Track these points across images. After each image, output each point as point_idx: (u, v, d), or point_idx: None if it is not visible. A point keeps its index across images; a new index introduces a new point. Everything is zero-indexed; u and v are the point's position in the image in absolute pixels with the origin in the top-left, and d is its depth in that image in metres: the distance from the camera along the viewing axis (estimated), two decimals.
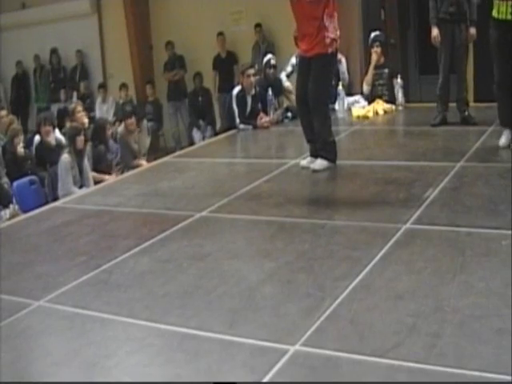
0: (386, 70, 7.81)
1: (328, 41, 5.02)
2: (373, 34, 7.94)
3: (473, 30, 6.27)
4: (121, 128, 7.69)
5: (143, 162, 7.18)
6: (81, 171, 6.46)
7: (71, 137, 6.49)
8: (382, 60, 7.87)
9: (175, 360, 2.52)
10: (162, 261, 3.50)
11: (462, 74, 6.52)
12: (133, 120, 7.45)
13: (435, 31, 6.34)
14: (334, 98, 7.49)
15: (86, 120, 8.02)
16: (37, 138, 7.38)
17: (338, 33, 5.11)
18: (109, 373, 2.44)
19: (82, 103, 8.84)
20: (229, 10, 10.32)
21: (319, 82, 5.10)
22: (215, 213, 4.27)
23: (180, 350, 2.58)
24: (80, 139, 6.44)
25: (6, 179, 6.45)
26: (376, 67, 7.82)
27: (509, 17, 5.07)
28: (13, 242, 4.12)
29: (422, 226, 3.65)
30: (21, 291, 3.25)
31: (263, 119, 7.31)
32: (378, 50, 7.81)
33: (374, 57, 7.83)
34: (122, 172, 6.81)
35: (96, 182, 6.39)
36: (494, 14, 5.16)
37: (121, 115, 8.69)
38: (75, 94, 11.59)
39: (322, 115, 5.15)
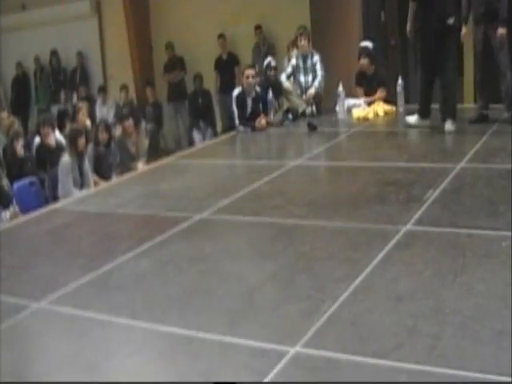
0: (374, 83, 7.79)
1: None
2: (360, 44, 7.94)
3: (501, 30, 6.15)
4: (118, 130, 7.68)
5: (139, 164, 7.17)
6: (81, 173, 6.47)
7: (72, 138, 6.49)
8: (372, 70, 7.83)
9: (175, 361, 2.52)
10: (162, 262, 3.49)
11: (504, 71, 6.40)
12: (130, 122, 7.43)
13: (464, 30, 6.39)
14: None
15: (88, 122, 8.04)
16: (37, 139, 7.39)
17: None
18: (109, 374, 2.43)
19: (87, 104, 8.86)
20: (229, 12, 10.33)
21: None
22: (215, 214, 4.27)
23: (180, 351, 2.58)
24: (81, 141, 6.45)
25: (6, 180, 6.45)
26: (365, 78, 7.82)
27: None
28: (13, 243, 4.12)
29: (422, 228, 3.65)
30: (21, 292, 3.24)
31: (262, 121, 7.31)
32: (365, 61, 7.78)
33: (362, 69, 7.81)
34: (122, 174, 6.80)
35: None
36: None
37: (120, 117, 8.68)
38: (75, 95, 11.60)
39: None
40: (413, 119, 6.57)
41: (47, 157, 7.02)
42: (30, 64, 12.40)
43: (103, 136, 7.10)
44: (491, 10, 6.18)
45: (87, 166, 6.63)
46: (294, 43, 8.20)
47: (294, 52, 8.09)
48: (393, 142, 6.55)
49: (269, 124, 7.36)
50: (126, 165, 7.17)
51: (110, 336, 2.76)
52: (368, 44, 7.89)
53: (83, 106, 8.38)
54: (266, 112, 7.53)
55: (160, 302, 3.01)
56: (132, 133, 7.46)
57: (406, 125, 6.62)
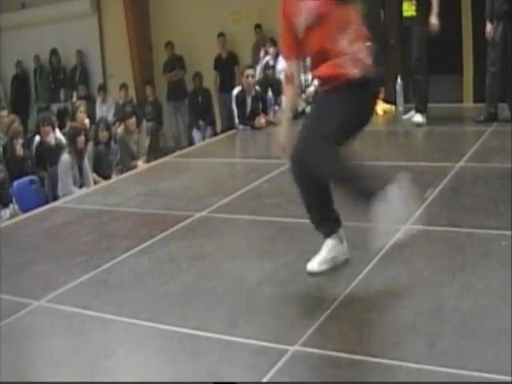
0: None
1: None
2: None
3: None
4: (120, 129, 7.69)
5: (140, 162, 7.17)
6: (81, 171, 6.47)
7: (71, 137, 6.50)
8: None
9: (175, 360, 2.52)
10: (161, 261, 3.50)
11: None
12: (133, 120, 7.44)
13: (489, 26, 6.34)
14: None
15: (86, 120, 8.03)
16: (37, 138, 7.38)
17: None
18: (108, 372, 2.44)
19: (85, 103, 8.85)
20: (229, 11, 10.32)
21: None
22: (215, 213, 4.27)
23: (180, 350, 2.58)
24: (80, 139, 6.45)
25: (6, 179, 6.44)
26: None
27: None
28: (13, 241, 4.12)
29: (421, 226, 3.64)
30: (21, 291, 3.24)
31: (261, 120, 7.32)
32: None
33: None
34: (122, 173, 6.81)
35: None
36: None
37: (121, 115, 8.69)
38: (75, 94, 11.59)
39: None
40: (419, 118, 6.57)
41: (47, 155, 7.02)
42: (29, 63, 12.38)
43: (103, 134, 7.09)
44: None
45: (87, 164, 6.63)
46: None
47: None
48: (392, 141, 6.56)
49: (268, 123, 7.36)
50: (127, 163, 7.17)
51: (110, 334, 2.76)
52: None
53: (81, 105, 8.37)
54: (265, 111, 7.54)
55: (160, 300, 3.02)
56: (134, 131, 7.46)
57: (415, 125, 6.60)
